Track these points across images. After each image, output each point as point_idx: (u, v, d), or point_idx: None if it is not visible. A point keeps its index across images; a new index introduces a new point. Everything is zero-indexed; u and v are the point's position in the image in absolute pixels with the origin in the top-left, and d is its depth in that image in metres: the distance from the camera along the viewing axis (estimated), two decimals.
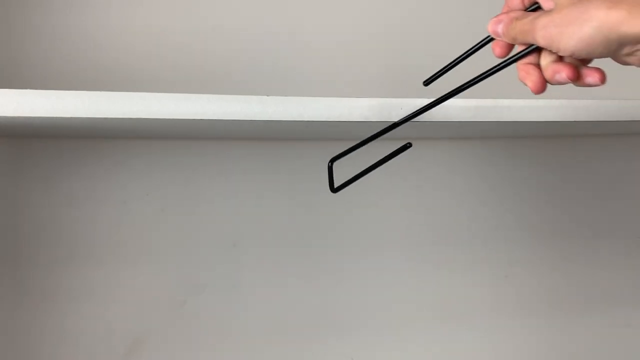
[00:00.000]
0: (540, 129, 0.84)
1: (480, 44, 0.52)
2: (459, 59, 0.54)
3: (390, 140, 0.89)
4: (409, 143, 0.56)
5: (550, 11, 0.44)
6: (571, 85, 0.48)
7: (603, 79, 0.46)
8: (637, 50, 0.42)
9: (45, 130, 0.70)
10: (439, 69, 0.55)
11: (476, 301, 1.00)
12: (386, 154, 0.57)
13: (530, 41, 0.46)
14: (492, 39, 0.51)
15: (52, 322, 0.81)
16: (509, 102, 0.62)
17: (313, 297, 0.92)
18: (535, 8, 0.49)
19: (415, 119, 0.57)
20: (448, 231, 0.98)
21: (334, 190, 0.62)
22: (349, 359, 0.94)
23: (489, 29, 0.49)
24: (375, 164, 0.60)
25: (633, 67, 0.46)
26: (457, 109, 0.62)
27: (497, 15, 0.49)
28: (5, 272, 0.79)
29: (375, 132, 0.58)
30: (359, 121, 0.58)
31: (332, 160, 0.62)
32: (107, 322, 0.83)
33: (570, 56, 0.45)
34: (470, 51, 0.53)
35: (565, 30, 0.42)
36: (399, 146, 0.56)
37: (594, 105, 0.57)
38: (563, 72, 0.46)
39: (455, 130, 0.81)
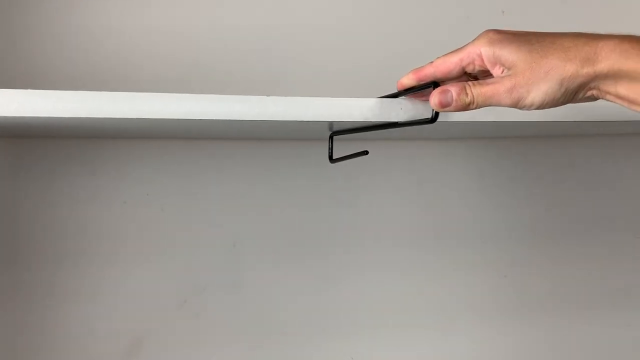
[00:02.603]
0: (540, 129, 0.84)
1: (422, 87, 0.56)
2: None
3: (391, 140, 0.89)
4: (366, 151, 0.62)
5: (507, 76, 0.51)
6: None
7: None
8: (590, 89, 0.50)
9: (45, 130, 0.70)
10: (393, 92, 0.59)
11: (476, 301, 1.00)
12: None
13: (494, 104, 0.52)
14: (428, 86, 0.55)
15: (52, 322, 0.81)
16: None
17: (313, 297, 0.92)
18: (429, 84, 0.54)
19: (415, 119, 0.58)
20: (448, 231, 0.98)
21: (332, 160, 0.68)
22: (349, 359, 0.94)
23: (436, 102, 0.53)
24: (337, 158, 0.67)
25: None
26: None
27: (438, 88, 0.53)
28: (5, 272, 0.79)
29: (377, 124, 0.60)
30: (359, 121, 0.58)
31: (332, 135, 0.69)
32: (107, 322, 0.83)
33: (528, 109, 0.52)
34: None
35: (533, 88, 0.50)
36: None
37: (594, 105, 0.57)
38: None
39: (455, 130, 0.81)
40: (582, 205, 1.05)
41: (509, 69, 0.51)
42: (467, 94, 0.52)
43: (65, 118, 0.51)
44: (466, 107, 0.52)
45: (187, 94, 0.53)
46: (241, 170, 0.88)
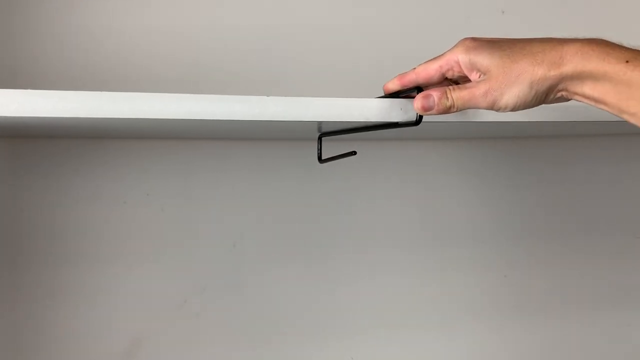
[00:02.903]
0: (540, 129, 0.84)
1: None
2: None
3: (388, 140, 0.89)
4: (354, 151, 0.65)
5: (482, 80, 0.54)
6: None
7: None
8: (559, 91, 0.53)
9: (45, 130, 0.70)
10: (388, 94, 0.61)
11: (476, 301, 1.00)
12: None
13: (472, 107, 0.55)
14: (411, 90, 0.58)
15: (52, 322, 0.81)
16: None
17: (313, 297, 0.92)
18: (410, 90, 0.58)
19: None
20: (448, 231, 0.98)
21: (321, 161, 0.69)
22: (349, 359, 0.94)
23: (419, 106, 0.56)
24: (326, 159, 0.69)
25: None
26: None
27: (421, 92, 0.56)
28: (5, 272, 0.79)
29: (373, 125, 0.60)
30: (359, 121, 0.58)
31: (321, 136, 0.70)
32: (107, 322, 0.83)
33: (504, 111, 0.54)
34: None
35: (506, 91, 0.52)
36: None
37: (589, 106, 0.57)
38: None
39: (455, 130, 0.81)
40: (582, 205, 1.05)
41: (484, 73, 0.54)
42: (447, 97, 0.55)
43: (65, 118, 0.51)
44: (447, 110, 0.55)
45: (187, 94, 0.53)
46: (241, 170, 0.88)
